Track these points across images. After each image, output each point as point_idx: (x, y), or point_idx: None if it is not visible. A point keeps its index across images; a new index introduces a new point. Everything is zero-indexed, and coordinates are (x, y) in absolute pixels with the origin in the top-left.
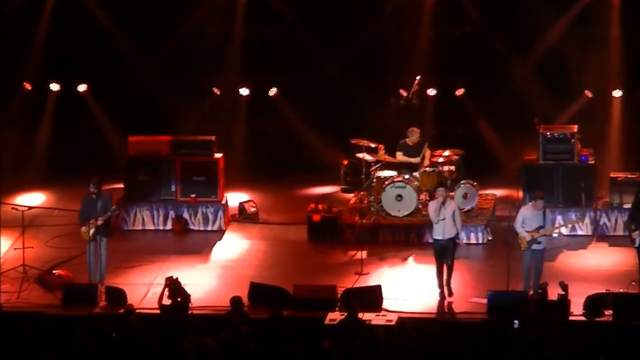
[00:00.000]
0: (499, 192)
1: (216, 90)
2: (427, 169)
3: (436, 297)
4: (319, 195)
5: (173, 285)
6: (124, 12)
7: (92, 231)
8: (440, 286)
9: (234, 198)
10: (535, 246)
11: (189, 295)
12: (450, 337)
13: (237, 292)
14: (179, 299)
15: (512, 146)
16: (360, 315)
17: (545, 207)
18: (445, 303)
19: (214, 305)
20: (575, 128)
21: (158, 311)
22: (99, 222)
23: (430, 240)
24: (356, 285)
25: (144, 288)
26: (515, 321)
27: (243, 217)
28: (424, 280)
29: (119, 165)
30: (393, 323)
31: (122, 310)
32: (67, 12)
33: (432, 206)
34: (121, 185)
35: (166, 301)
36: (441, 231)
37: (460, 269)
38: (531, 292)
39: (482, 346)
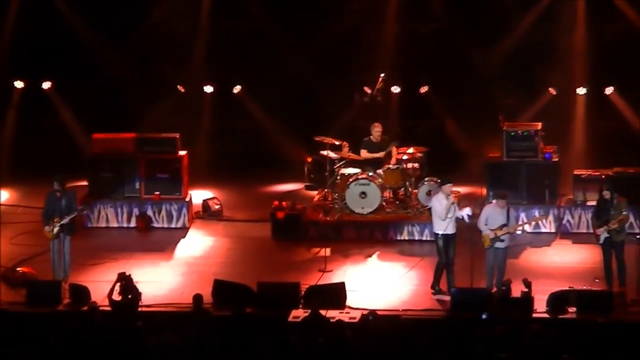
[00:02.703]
0: (462, 190)
1: (181, 88)
2: (391, 166)
3: (399, 294)
4: (283, 192)
5: (125, 282)
6: (88, 8)
7: (56, 229)
8: (435, 283)
9: (198, 195)
10: (498, 244)
11: (139, 293)
12: (413, 334)
13: (201, 290)
14: (129, 296)
15: (476, 143)
16: (323, 312)
17: (509, 205)
18: (409, 299)
19: (178, 302)
20: (540, 125)
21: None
22: (65, 221)
23: (399, 237)
24: (320, 283)
25: (108, 285)
26: (484, 315)
27: (207, 214)
28: (388, 277)
29: (83, 162)
30: (356, 320)
31: (86, 308)
32: (32, 9)
33: (441, 203)
34: (85, 183)
35: (116, 297)
36: (449, 226)
37: (424, 265)
38: (494, 290)
39: (445, 343)
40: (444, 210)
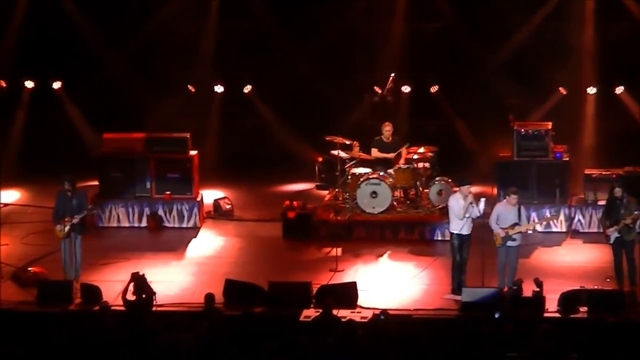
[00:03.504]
0: (473, 189)
1: (191, 88)
2: (402, 165)
3: (410, 294)
4: (294, 192)
5: (138, 282)
6: (97, 8)
7: (66, 229)
8: (454, 282)
9: (209, 195)
10: (509, 243)
11: (154, 293)
12: (424, 333)
13: (212, 289)
14: (143, 296)
15: (487, 143)
16: (335, 312)
17: (520, 204)
18: (420, 299)
19: (189, 302)
20: (550, 125)
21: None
22: (75, 221)
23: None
24: (331, 282)
25: (119, 285)
26: (496, 314)
27: (218, 214)
28: (399, 277)
29: (93, 162)
30: (368, 320)
31: (97, 308)
32: (41, 9)
33: (458, 203)
34: (96, 183)
35: (130, 297)
36: (464, 227)
37: (435, 265)
38: (506, 289)
39: (456, 342)
40: (462, 209)
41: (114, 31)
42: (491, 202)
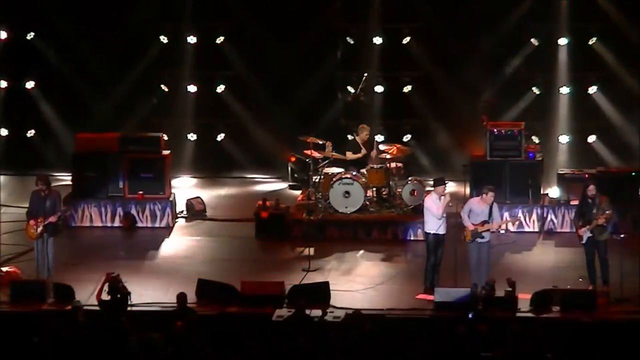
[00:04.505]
0: (448, 189)
1: (165, 88)
2: (375, 165)
3: (383, 294)
4: (267, 192)
5: (113, 282)
6: (72, 7)
7: (39, 229)
8: (426, 282)
9: (182, 195)
10: (479, 239)
11: (128, 293)
12: (397, 333)
13: (184, 289)
14: (118, 296)
15: (460, 143)
16: (307, 311)
17: (494, 202)
18: (393, 299)
19: (161, 302)
20: (522, 125)
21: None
22: (52, 220)
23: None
24: (304, 282)
25: (92, 285)
26: (470, 314)
27: (191, 213)
28: (372, 276)
29: (67, 162)
30: (340, 319)
31: (69, 307)
32: (14, 7)
33: (435, 202)
34: (69, 182)
35: (105, 297)
36: (440, 226)
37: (408, 265)
38: (479, 289)
39: (429, 342)
40: (440, 208)
41: (89, 31)
42: (464, 202)
